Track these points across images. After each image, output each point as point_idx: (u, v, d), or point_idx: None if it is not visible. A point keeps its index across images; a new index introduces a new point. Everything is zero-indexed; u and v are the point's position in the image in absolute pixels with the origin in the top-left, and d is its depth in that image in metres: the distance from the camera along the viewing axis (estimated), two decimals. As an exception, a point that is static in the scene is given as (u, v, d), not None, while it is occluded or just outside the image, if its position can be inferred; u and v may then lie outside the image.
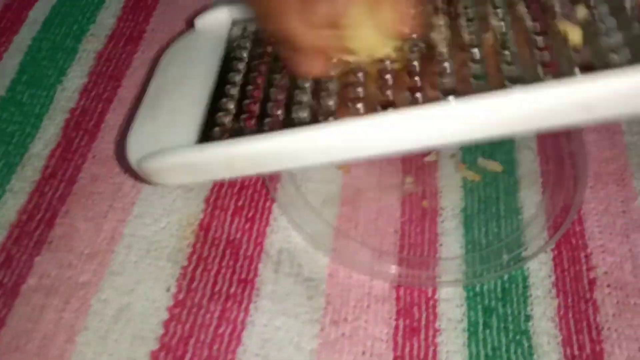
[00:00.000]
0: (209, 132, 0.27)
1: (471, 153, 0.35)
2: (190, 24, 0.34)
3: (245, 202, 0.34)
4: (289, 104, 0.27)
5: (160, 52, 0.40)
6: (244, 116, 0.27)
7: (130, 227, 0.32)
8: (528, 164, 0.35)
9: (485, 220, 0.33)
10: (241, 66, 0.30)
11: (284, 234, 0.33)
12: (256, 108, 0.27)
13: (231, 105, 0.28)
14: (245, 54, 0.30)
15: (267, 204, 0.34)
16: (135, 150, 0.28)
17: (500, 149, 0.36)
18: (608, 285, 0.31)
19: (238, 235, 0.32)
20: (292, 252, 0.32)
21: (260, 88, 0.28)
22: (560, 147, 0.35)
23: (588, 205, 0.33)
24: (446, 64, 0.25)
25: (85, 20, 0.42)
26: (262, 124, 0.26)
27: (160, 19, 0.42)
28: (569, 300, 0.30)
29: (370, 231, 0.33)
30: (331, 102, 0.26)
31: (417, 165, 0.35)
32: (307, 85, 0.27)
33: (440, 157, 0.35)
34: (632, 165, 0.35)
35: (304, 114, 0.26)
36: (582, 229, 0.33)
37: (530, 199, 0.34)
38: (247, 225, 0.33)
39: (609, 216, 0.33)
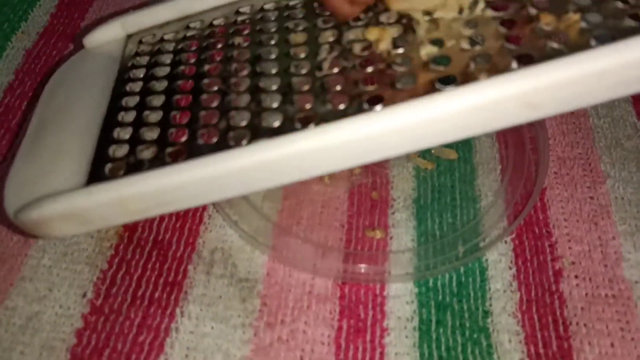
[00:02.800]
0: (99, 171, 0.22)
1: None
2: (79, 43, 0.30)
3: (177, 200, 0.30)
4: (194, 129, 0.23)
5: (93, 47, 0.38)
6: (141, 147, 0.23)
7: (46, 228, 0.29)
8: (486, 150, 0.32)
9: (439, 211, 0.30)
10: (137, 87, 0.26)
11: (219, 232, 0.29)
12: (155, 135, 0.23)
13: (126, 135, 0.24)
14: (141, 74, 0.26)
15: (202, 200, 0.31)
16: (13, 199, 0.23)
17: (455, 134, 0.33)
18: (576, 276, 0.28)
19: (167, 235, 0.29)
20: (226, 251, 0.29)
21: (158, 111, 0.24)
22: (520, 131, 0.33)
23: (552, 191, 0.31)
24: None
25: (16, 18, 0.39)
26: (162, 155, 0.22)
27: (96, 15, 0.40)
28: (532, 293, 0.27)
29: (315, 226, 0.30)
30: (244, 122, 0.22)
31: (366, 155, 0.32)
32: (215, 104, 0.23)
33: (392, 146, 0.33)
34: (599, 148, 0.33)
35: (213, 139, 0.22)
36: (545, 217, 0.30)
37: (489, 187, 0.31)
38: (179, 224, 0.30)
39: (574, 202, 0.30)
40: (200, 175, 0.21)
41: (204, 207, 0.30)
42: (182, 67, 0.26)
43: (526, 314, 0.26)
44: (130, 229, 0.29)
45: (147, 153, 0.23)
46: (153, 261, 0.28)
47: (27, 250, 0.28)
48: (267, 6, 0.28)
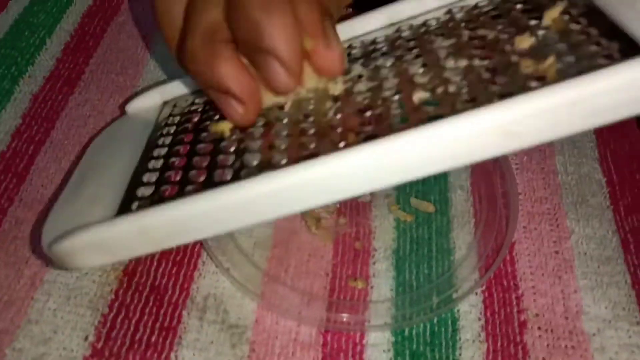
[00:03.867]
0: (126, 208, 0.25)
1: (405, 193, 0.35)
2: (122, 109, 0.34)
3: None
4: (212, 170, 0.25)
5: (97, 93, 0.40)
6: (164, 187, 0.26)
7: (51, 273, 0.31)
8: (461, 203, 0.35)
9: (416, 262, 0.32)
10: (167, 141, 0.29)
11: (213, 278, 0.32)
12: (177, 177, 0.26)
13: (152, 179, 0.26)
14: (172, 130, 0.30)
15: (197, 247, 0.33)
16: (48, 236, 0.26)
17: (433, 188, 0.36)
18: (539, 328, 0.30)
19: (164, 281, 0.31)
20: (219, 297, 0.31)
21: (183, 157, 0.27)
22: (493, 186, 0.35)
23: (520, 245, 0.33)
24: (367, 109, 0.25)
25: (24, 62, 0.41)
26: (183, 192, 0.25)
27: (100, 60, 0.42)
28: (498, 344, 0.30)
29: (301, 274, 0.32)
30: (255, 162, 0.25)
31: (351, 205, 0.35)
32: (232, 148, 0.26)
33: (375, 198, 0.35)
34: (566, 205, 0.35)
35: (227, 176, 0.24)
36: (514, 270, 0.32)
37: (462, 239, 0.33)
38: (174, 270, 0.32)
39: (541, 256, 0.33)
40: (213, 205, 0.23)
41: (198, 254, 0.33)
42: (208, 122, 0.29)
43: (492, 363, 0.29)
44: (129, 274, 0.31)
45: (169, 192, 0.25)
46: (150, 306, 0.30)
47: (33, 293, 0.31)
48: None
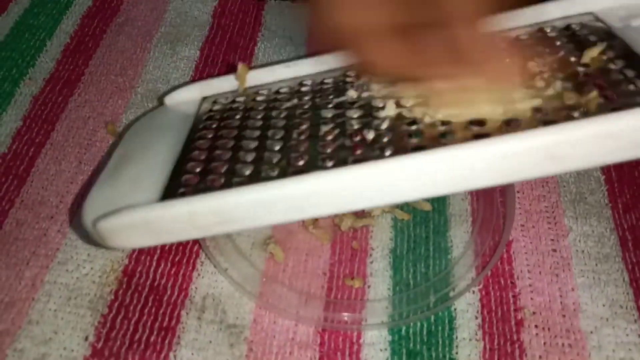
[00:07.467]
0: (172, 192, 0.26)
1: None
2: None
3: (172, 246, 0.33)
4: (258, 165, 0.26)
5: (96, 94, 0.40)
6: (211, 177, 0.27)
7: (52, 274, 0.32)
8: (459, 202, 0.35)
9: (414, 261, 0.33)
10: (210, 134, 0.30)
11: (211, 278, 0.32)
12: (223, 169, 0.27)
13: (197, 169, 0.27)
14: (214, 125, 0.31)
15: (195, 247, 0.33)
16: (91, 212, 0.27)
17: (431, 187, 0.36)
18: (536, 326, 0.30)
19: (163, 281, 0.32)
20: (217, 297, 0.31)
21: (228, 151, 0.28)
22: (491, 185, 0.35)
23: (518, 244, 0.33)
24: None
25: (24, 64, 0.42)
26: (229, 183, 0.26)
27: (99, 61, 0.42)
28: (495, 342, 0.30)
29: (299, 274, 0.32)
30: (301, 163, 0.26)
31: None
32: (277, 147, 0.27)
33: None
34: (564, 202, 0.35)
35: (274, 173, 0.26)
36: (511, 268, 0.32)
37: (460, 238, 0.33)
38: (173, 270, 0.32)
39: (538, 255, 0.33)
40: (258, 197, 0.24)
41: (197, 255, 0.33)
42: (250, 120, 0.30)
43: (489, 362, 0.29)
44: (129, 275, 0.32)
45: (216, 182, 0.26)
46: (149, 306, 0.31)
47: (34, 294, 0.31)
48: (326, 80, 0.32)
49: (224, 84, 0.34)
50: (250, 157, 0.27)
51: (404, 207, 0.35)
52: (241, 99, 0.33)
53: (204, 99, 0.34)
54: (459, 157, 0.23)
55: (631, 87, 0.25)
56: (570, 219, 0.34)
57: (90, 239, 0.27)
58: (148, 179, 0.27)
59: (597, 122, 0.23)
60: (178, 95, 0.35)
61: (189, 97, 0.34)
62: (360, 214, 0.34)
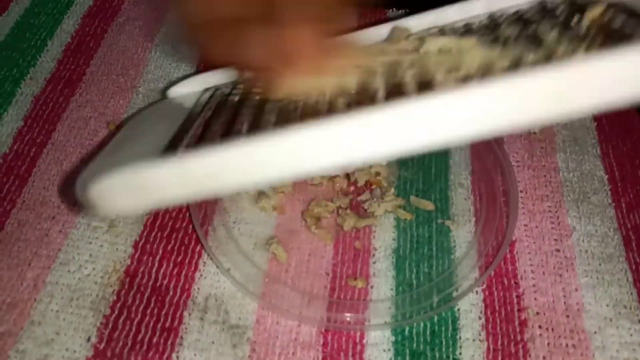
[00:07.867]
0: (165, 154, 0.25)
1: (405, 192, 0.35)
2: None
3: (175, 246, 0.33)
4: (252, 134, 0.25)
5: (98, 94, 0.40)
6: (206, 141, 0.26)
7: (53, 274, 0.31)
8: (462, 202, 0.35)
9: (417, 261, 0.32)
10: (208, 114, 0.30)
11: (213, 279, 0.32)
12: (219, 135, 0.27)
13: (193, 139, 0.27)
14: (213, 106, 0.31)
15: (198, 248, 0.33)
16: (84, 180, 0.25)
17: (433, 187, 0.35)
18: (539, 327, 0.30)
19: (165, 282, 0.32)
20: (219, 298, 0.31)
21: (224, 122, 0.28)
22: (493, 184, 0.35)
23: (521, 244, 0.33)
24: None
25: (25, 64, 0.41)
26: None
27: (100, 61, 0.42)
28: (499, 343, 0.30)
29: (302, 274, 0.32)
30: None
31: (351, 205, 0.35)
32: (273, 118, 0.26)
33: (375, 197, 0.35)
34: (567, 202, 0.35)
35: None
36: (514, 268, 0.32)
37: (463, 238, 0.33)
38: (175, 271, 0.32)
39: (541, 254, 0.33)
40: (254, 150, 0.23)
41: (199, 255, 0.33)
42: (248, 101, 0.30)
43: (492, 362, 0.29)
44: (131, 276, 0.32)
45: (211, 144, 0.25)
46: (152, 307, 0.31)
47: (36, 295, 0.31)
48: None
49: (225, 75, 0.34)
50: (245, 128, 0.27)
51: (407, 207, 0.35)
52: (242, 85, 0.33)
53: (206, 90, 0.34)
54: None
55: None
56: (574, 219, 0.34)
57: (86, 208, 0.25)
58: (147, 154, 0.27)
59: (601, 57, 0.20)
60: (180, 87, 0.35)
61: (191, 89, 0.35)
62: (363, 214, 0.34)
